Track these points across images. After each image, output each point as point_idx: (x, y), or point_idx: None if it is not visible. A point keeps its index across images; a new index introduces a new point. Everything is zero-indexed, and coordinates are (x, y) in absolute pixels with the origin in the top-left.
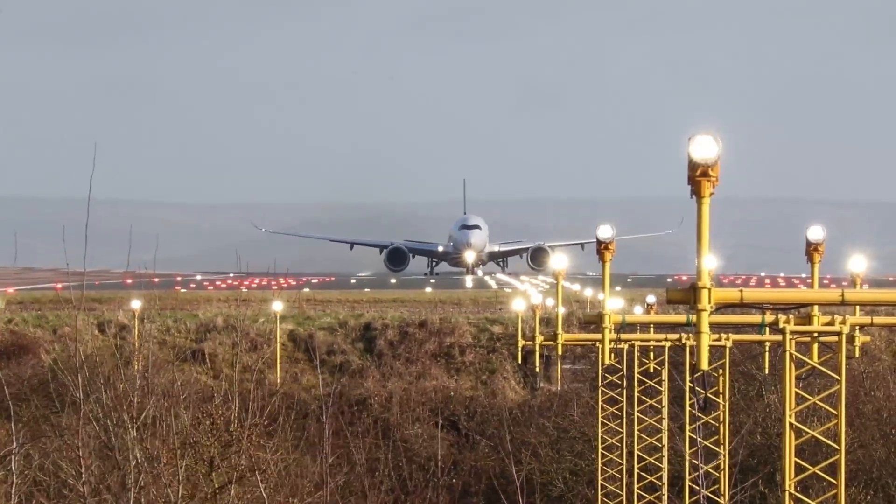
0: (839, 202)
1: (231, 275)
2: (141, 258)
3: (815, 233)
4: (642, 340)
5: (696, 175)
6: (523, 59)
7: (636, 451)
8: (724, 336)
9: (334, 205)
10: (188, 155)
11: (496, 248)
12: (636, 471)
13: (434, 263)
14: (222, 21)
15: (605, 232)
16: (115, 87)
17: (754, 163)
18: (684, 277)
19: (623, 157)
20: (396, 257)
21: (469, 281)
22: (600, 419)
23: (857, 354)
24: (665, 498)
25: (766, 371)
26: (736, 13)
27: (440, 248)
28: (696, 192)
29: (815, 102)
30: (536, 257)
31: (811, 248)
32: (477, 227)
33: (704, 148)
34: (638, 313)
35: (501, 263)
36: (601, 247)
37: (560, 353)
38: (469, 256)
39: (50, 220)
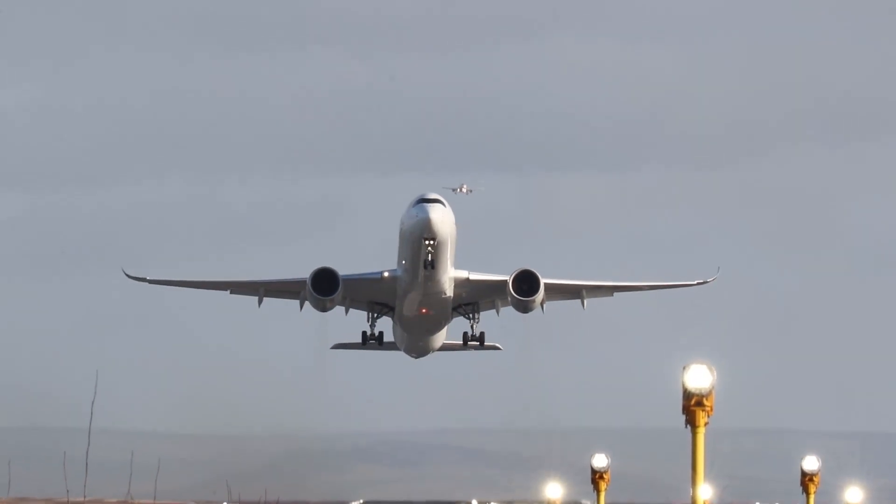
0: (832, 433)
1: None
2: (136, 489)
3: (811, 463)
4: None
5: (691, 405)
6: None
7: None
8: None
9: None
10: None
11: (465, 276)
12: None
13: (375, 317)
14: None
15: (600, 461)
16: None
17: (745, 392)
18: None
19: (612, 386)
20: (324, 280)
21: None
22: None
23: None
24: None
25: None
26: (711, 244)
27: (385, 275)
28: (691, 421)
29: (803, 332)
30: (522, 286)
31: (806, 479)
32: (439, 201)
33: (699, 378)
34: None
35: (472, 316)
36: (596, 476)
37: None
38: (430, 248)
39: (38, 449)
